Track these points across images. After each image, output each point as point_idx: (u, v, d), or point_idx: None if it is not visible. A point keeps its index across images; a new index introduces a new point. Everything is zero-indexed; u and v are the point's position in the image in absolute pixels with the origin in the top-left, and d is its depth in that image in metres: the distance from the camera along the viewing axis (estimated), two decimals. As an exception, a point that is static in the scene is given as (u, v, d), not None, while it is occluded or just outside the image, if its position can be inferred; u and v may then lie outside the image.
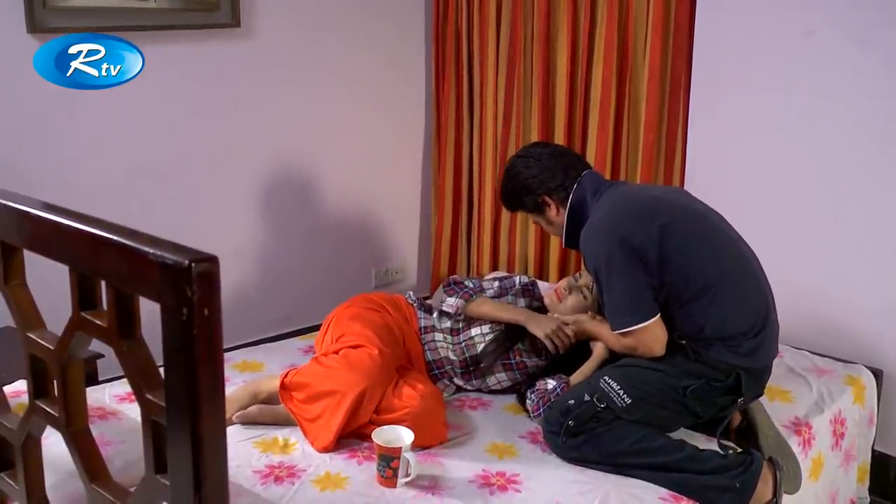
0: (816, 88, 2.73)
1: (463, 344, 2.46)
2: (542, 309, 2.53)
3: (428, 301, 2.76)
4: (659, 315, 2.09)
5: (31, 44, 2.61)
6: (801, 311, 2.71)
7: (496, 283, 2.61)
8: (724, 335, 2.10)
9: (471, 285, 2.54)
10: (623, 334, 2.13)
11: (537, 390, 2.30)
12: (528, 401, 2.31)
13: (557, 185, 2.30)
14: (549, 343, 2.36)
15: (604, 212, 2.20)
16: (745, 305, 2.15)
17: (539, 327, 2.39)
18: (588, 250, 2.19)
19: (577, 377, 2.31)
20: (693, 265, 2.11)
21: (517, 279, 2.65)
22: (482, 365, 2.46)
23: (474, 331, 2.47)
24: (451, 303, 2.49)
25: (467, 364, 2.47)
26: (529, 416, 2.31)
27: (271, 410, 2.24)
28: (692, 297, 2.10)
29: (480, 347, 2.44)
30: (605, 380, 2.11)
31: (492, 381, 2.47)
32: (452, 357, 2.47)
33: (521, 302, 2.56)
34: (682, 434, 2.17)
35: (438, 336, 2.49)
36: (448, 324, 2.50)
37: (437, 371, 2.49)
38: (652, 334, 2.10)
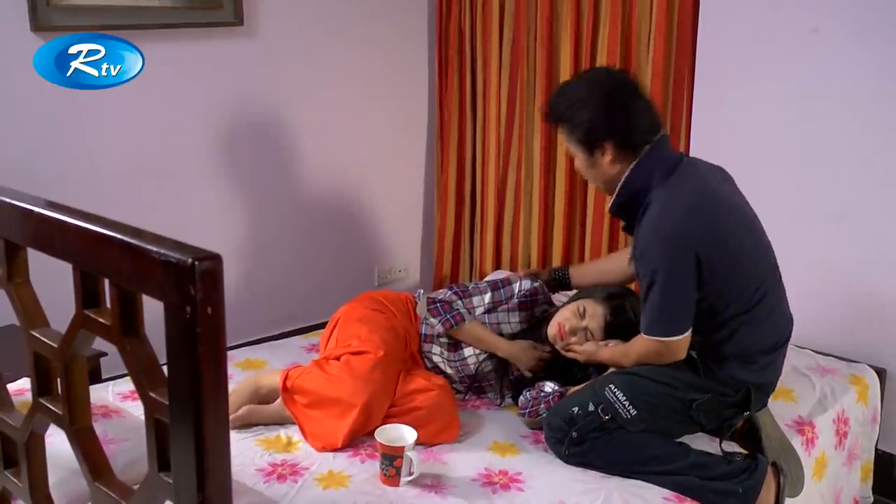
0: (821, 85, 2.73)
1: (458, 363, 2.44)
2: (546, 316, 2.46)
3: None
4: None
5: (35, 42, 2.60)
6: (804, 310, 2.68)
7: (487, 297, 2.47)
8: (744, 353, 2.07)
9: (458, 308, 2.42)
10: (655, 340, 2.06)
11: (533, 390, 2.31)
12: (521, 397, 2.31)
13: (634, 140, 2.05)
14: (528, 374, 2.40)
15: (680, 209, 2.00)
16: (772, 325, 2.12)
17: (521, 362, 2.40)
18: (652, 252, 2.00)
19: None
20: (741, 288, 2.04)
21: (516, 287, 2.49)
22: (483, 384, 2.46)
23: (467, 351, 2.44)
24: (433, 323, 2.42)
25: (466, 382, 2.46)
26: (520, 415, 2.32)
27: (263, 410, 2.24)
28: (728, 319, 2.04)
29: (474, 368, 2.43)
30: (610, 389, 2.07)
31: (493, 396, 2.46)
32: (449, 371, 2.46)
33: (515, 317, 2.47)
34: (685, 435, 2.16)
35: (436, 349, 2.46)
36: (446, 339, 2.45)
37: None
38: (683, 344, 2.05)
